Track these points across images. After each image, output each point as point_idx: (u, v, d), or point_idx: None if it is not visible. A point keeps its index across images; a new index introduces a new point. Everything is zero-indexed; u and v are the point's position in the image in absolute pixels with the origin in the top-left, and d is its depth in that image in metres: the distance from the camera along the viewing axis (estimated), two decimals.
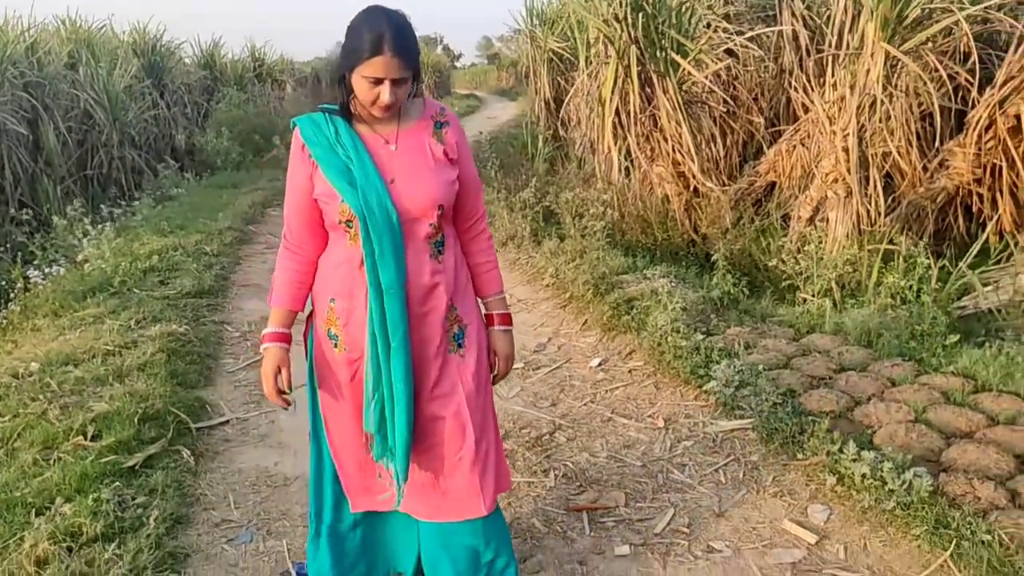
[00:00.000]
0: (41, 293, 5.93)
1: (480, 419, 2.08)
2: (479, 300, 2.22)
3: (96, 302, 5.49)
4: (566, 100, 10.44)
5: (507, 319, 2.25)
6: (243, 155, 13.72)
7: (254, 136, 14.56)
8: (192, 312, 5.40)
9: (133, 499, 2.95)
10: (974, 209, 6.44)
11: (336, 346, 2.04)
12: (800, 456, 3.15)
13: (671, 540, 2.77)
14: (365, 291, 1.94)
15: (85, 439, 3.36)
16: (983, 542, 2.46)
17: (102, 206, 9.93)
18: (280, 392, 2.11)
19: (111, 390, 3.85)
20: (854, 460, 2.94)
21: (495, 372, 2.24)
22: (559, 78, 12.24)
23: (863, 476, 2.85)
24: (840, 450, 3.04)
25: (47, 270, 6.73)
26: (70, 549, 2.61)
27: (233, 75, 18.67)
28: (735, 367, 3.77)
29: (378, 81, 1.85)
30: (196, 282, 6.04)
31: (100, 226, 7.61)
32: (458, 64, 58.22)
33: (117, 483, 3.02)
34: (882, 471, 2.83)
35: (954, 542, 2.51)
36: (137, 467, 3.20)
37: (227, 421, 3.87)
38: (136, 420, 3.52)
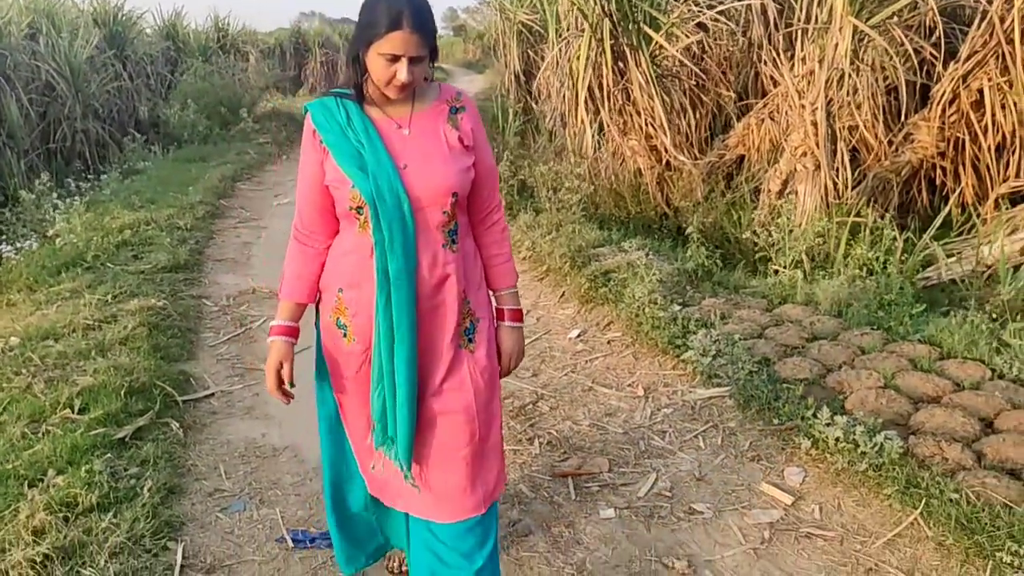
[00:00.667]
0: (14, 268, 5.86)
1: (486, 417, 2.03)
2: (494, 293, 2.17)
3: (71, 276, 5.45)
4: (537, 73, 10.45)
5: (518, 315, 2.18)
6: (210, 128, 13.53)
7: (220, 108, 14.36)
8: (169, 287, 5.39)
9: (125, 470, 3.00)
10: (937, 182, 6.61)
11: (345, 336, 1.99)
12: (776, 421, 3.27)
13: (654, 503, 2.87)
14: (374, 280, 1.87)
15: (72, 412, 3.38)
16: (951, 500, 2.60)
17: (68, 180, 9.77)
18: (281, 386, 2.07)
19: (94, 364, 3.86)
20: (827, 424, 3.07)
21: (509, 366, 2.18)
22: (529, 51, 12.22)
23: (836, 440, 2.98)
24: (814, 415, 3.17)
25: (18, 245, 6.64)
26: (66, 519, 2.65)
27: (197, 46, 18.36)
28: (711, 337, 3.88)
29: (395, 58, 1.78)
30: (171, 257, 6.01)
31: (69, 200, 7.52)
32: None
33: (108, 455, 3.06)
34: (854, 435, 2.96)
35: (924, 501, 2.64)
36: (127, 439, 3.24)
37: (212, 394, 3.90)
38: (122, 393, 3.54)
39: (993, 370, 3.55)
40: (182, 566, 2.55)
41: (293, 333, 2.08)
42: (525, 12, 12.00)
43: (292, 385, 2.09)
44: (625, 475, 3.06)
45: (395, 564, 2.53)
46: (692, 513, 2.81)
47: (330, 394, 2.15)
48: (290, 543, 2.70)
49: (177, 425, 3.45)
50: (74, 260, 5.84)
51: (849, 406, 3.31)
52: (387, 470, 2.06)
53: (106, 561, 2.46)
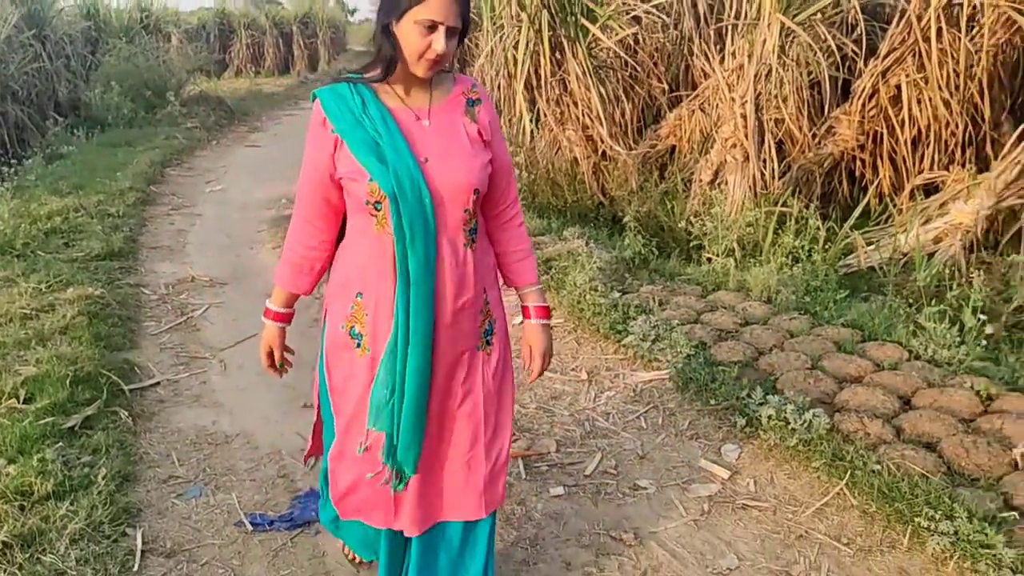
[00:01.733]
0: None
1: (495, 421, 1.99)
2: (517, 291, 2.10)
3: (2, 264, 5.32)
4: (473, 62, 10.50)
5: (546, 312, 2.11)
6: (135, 111, 13.16)
7: (145, 91, 13.96)
8: (105, 275, 5.30)
9: (78, 459, 3.00)
10: (857, 173, 6.94)
11: (359, 346, 1.86)
12: (712, 402, 3.46)
13: (600, 481, 3.02)
14: (394, 281, 1.77)
15: (18, 402, 3.35)
16: (873, 471, 2.81)
17: None
18: (272, 364, 2.10)
19: (36, 353, 3.81)
20: (760, 404, 3.27)
21: (530, 369, 2.13)
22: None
23: (769, 417, 3.17)
24: (748, 395, 3.36)
25: None
26: (22, 507, 2.65)
27: (119, 26, 17.77)
28: (650, 323, 4.05)
29: (433, 27, 1.65)
30: (104, 244, 5.90)
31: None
32: (352, 19, 56.75)
33: (59, 444, 3.06)
34: (785, 413, 3.16)
35: (848, 472, 2.85)
36: (76, 428, 3.23)
37: (158, 383, 3.89)
38: (68, 383, 3.52)
39: (910, 351, 3.81)
40: (142, 551, 2.58)
41: (285, 319, 2.07)
42: None
43: (281, 366, 2.12)
44: (572, 455, 3.20)
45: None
46: (636, 489, 2.97)
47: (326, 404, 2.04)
48: (249, 527, 2.75)
49: (126, 414, 3.44)
50: (2, 247, 5.69)
51: (780, 386, 3.51)
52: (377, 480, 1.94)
53: (66, 547, 2.49)
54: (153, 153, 9.97)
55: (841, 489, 2.82)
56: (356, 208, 1.81)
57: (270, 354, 2.09)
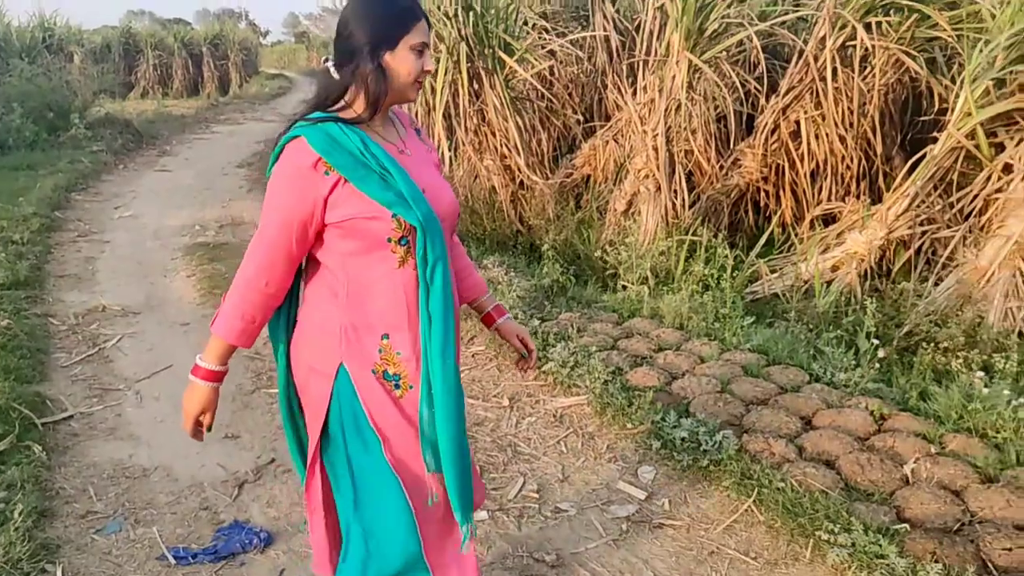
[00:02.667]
0: None
1: None
2: (474, 303, 2.12)
3: None
4: None
5: (504, 310, 2.17)
6: (37, 134, 12.71)
7: (47, 113, 13.51)
8: (11, 305, 5.14)
9: None
10: (762, 204, 7.28)
11: (398, 387, 1.77)
12: (629, 425, 3.60)
13: (523, 504, 3.11)
14: (419, 316, 1.74)
15: None
16: (779, 488, 2.99)
17: None
18: (199, 431, 1.85)
19: None
20: (674, 427, 3.42)
21: (529, 352, 2.15)
22: None
23: (682, 439, 3.33)
24: (663, 419, 3.52)
25: None
26: None
27: (20, 45, 17.15)
28: (569, 349, 4.18)
29: (422, 49, 1.71)
30: (9, 273, 5.71)
31: None
32: (264, 41, 56.06)
33: None
34: (698, 435, 3.32)
35: (756, 490, 3.02)
36: None
37: (71, 416, 3.81)
38: None
39: (811, 374, 4.04)
40: None
41: (221, 378, 1.82)
42: None
43: (210, 430, 1.88)
44: (496, 480, 3.29)
45: None
46: (558, 512, 3.07)
47: (370, 460, 1.81)
48: (172, 560, 2.73)
49: (39, 448, 3.36)
50: None
51: (692, 409, 3.68)
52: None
53: None
54: (57, 177, 9.67)
55: (749, 506, 2.98)
56: (370, 248, 1.71)
57: (198, 420, 1.82)
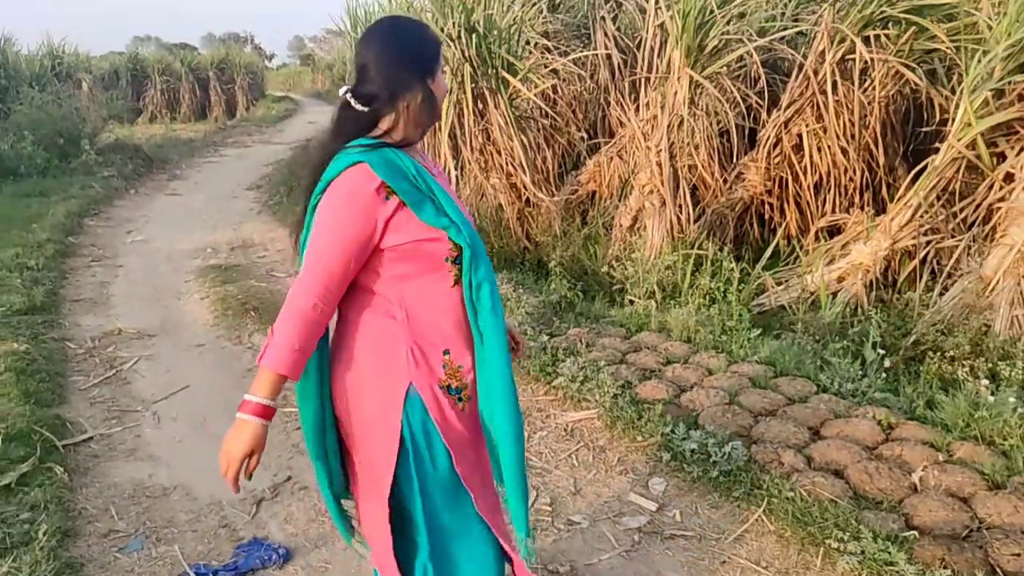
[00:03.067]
0: None
1: None
2: None
3: None
4: None
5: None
6: (48, 160, 12.87)
7: (58, 140, 13.68)
8: (28, 330, 5.24)
9: (16, 516, 3.00)
10: (766, 217, 7.34)
11: (460, 399, 1.83)
12: (639, 438, 3.65)
13: (536, 517, 3.16)
14: (471, 331, 1.82)
15: None
16: (788, 498, 3.04)
17: None
18: (240, 472, 1.69)
19: None
20: (684, 439, 3.48)
21: (517, 345, 2.19)
22: None
23: (692, 451, 3.38)
24: (672, 431, 3.57)
25: None
26: None
27: (30, 73, 17.38)
28: (578, 364, 4.24)
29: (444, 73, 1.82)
30: (26, 299, 5.82)
31: None
32: (270, 64, 56.55)
33: None
34: (707, 447, 3.37)
35: (766, 500, 3.07)
36: (12, 485, 3.22)
37: (91, 438, 3.88)
38: (0, 440, 3.49)
39: (818, 385, 4.09)
40: None
41: (273, 415, 1.71)
42: None
43: (250, 478, 1.73)
44: None
45: None
46: (571, 524, 3.12)
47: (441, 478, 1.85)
48: None
49: (61, 470, 3.43)
50: None
51: (701, 421, 3.73)
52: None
53: None
54: (70, 203, 9.80)
55: (759, 516, 3.03)
56: (428, 269, 1.77)
57: (245, 461, 1.68)
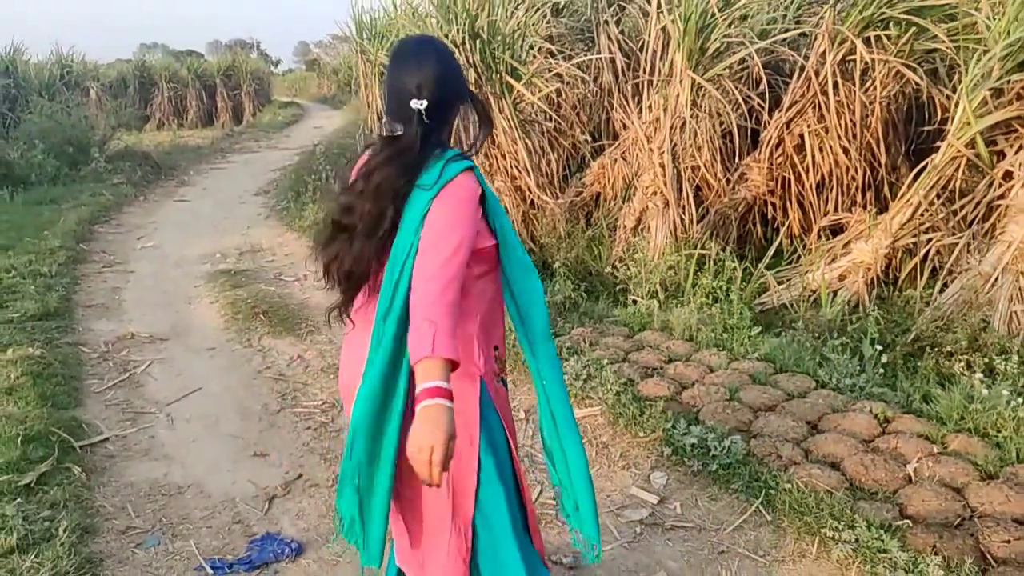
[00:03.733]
0: None
1: None
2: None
3: None
4: None
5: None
6: (58, 168, 13.03)
7: (68, 148, 13.83)
8: (43, 335, 5.35)
9: (37, 513, 3.10)
10: (769, 216, 7.41)
11: (506, 387, 2.07)
12: (641, 434, 3.73)
13: (541, 511, 3.24)
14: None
15: None
16: (785, 490, 3.12)
17: None
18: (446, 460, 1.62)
19: None
20: (684, 434, 3.56)
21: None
22: None
23: (692, 446, 3.47)
24: (673, 427, 3.65)
25: None
26: None
27: (39, 82, 17.57)
28: (582, 362, 4.33)
29: None
30: (39, 304, 5.93)
31: None
32: (276, 70, 56.79)
33: (17, 500, 3.15)
34: (707, 441, 3.45)
35: (764, 492, 3.15)
36: (32, 485, 3.32)
37: (107, 439, 3.98)
38: (19, 441, 3.61)
39: (817, 381, 4.17)
40: None
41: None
42: (386, 55, 12.34)
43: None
44: None
45: None
46: None
47: (502, 468, 1.97)
48: (209, 571, 2.89)
49: (79, 469, 3.54)
50: None
51: (702, 417, 3.81)
52: None
53: None
54: (80, 211, 9.92)
55: (757, 507, 3.11)
56: (490, 270, 1.93)
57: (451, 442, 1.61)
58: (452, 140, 1.95)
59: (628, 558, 2.93)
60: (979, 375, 3.81)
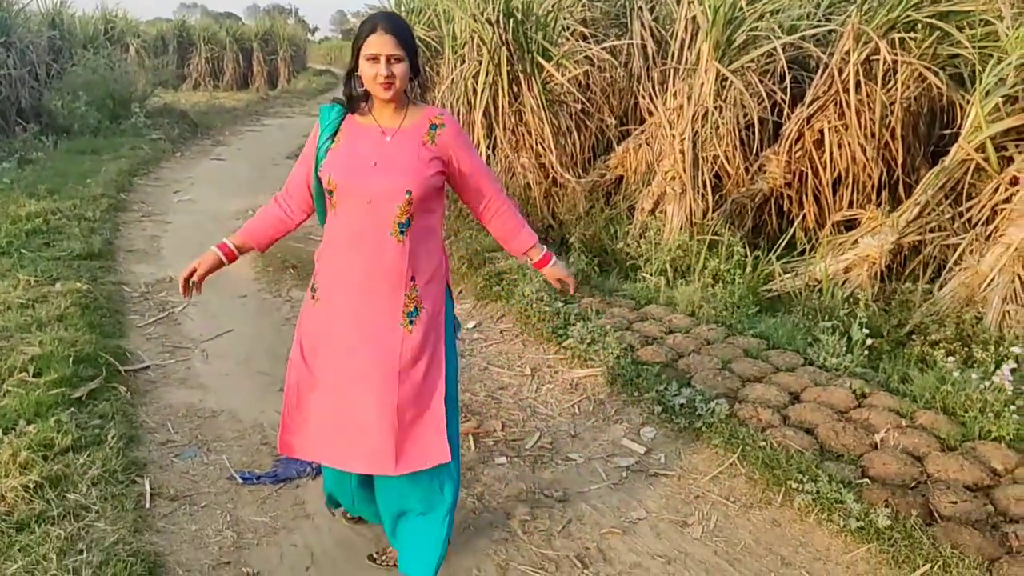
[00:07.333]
0: None
1: (412, 394, 2.40)
2: (523, 256, 2.72)
3: None
4: (432, 86, 11.07)
5: (550, 256, 2.72)
6: (100, 121, 13.45)
7: (109, 102, 14.23)
8: (88, 273, 5.73)
9: (88, 422, 3.48)
10: (785, 209, 7.62)
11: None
12: (636, 394, 4.05)
13: (538, 453, 3.57)
14: None
15: (28, 376, 3.79)
16: (760, 447, 3.42)
17: None
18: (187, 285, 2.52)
19: (38, 336, 4.26)
20: (675, 395, 3.87)
21: (568, 285, 2.78)
22: (425, 65, 12.80)
23: (681, 406, 3.77)
24: (665, 388, 3.96)
25: None
26: (45, 457, 3.12)
27: (84, 35, 17.99)
28: (588, 328, 4.63)
29: (375, 58, 2.27)
30: (84, 246, 6.31)
31: None
32: (312, 38, 57.13)
33: (71, 409, 3.52)
34: (695, 402, 3.76)
35: (740, 448, 3.45)
36: (83, 399, 3.69)
37: (148, 367, 4.36)
38: (71, 361, 3.98)
39: (805, 358, 4.45)
40: (151, 494, 3.08)
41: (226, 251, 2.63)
42: (423, 29, 12.60)
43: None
44: (515, 434, 3.75)
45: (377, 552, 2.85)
46: (567, 460, 3.53)
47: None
48: (240, 480, 3.25)
49: (124, 389, 3.91)
50: None
51: (693, 383, 4.11)
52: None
53: (88, 488, 2.97)
54: (120, 162, 10.31)
55: (733, 461, 3.42)
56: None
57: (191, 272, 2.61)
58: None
59: (612, 496, 3.25)
60: (951, 358, 4.07)
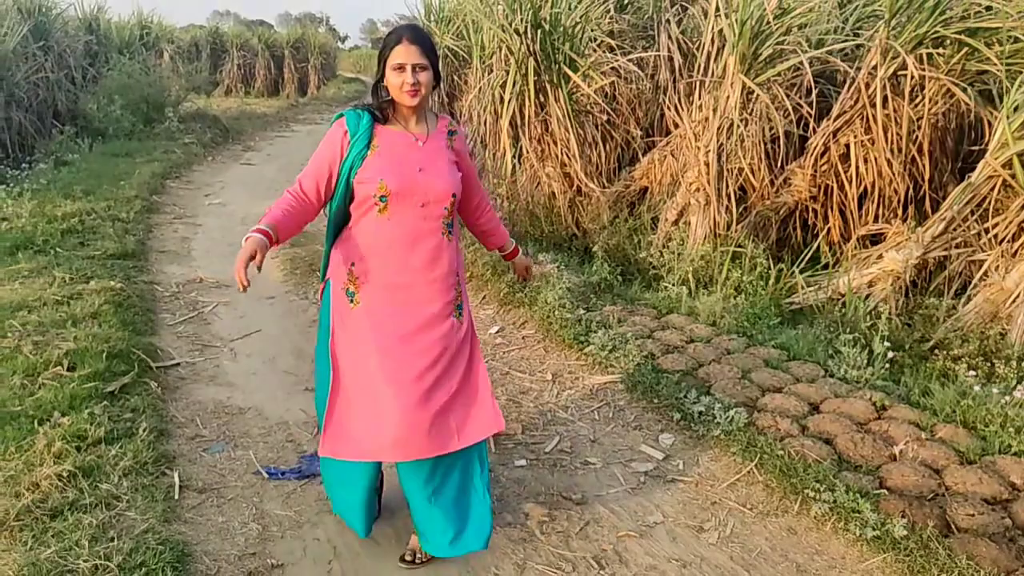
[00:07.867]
0: None
1: (465, 375, 2.70)
2: (501, 250, 3.07)
3: (27, 257, 5.86)
4: (460, 95, 11.18)
5: (517, 250, 3.12)
6: (134, 124, 13.70)
7: (143, 106, 14.49)
8: (121, 272, 5.86)
9: (120, 415, 3.58)
10: (810, 222, 7.63)
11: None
12: (655, 401, 4.08)
13: (557, 457, 3.62)
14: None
15: (63, 369, 3.90)
16: (778, 456, 3.44)
17: None
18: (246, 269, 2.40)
19: (72, 332, 4.38)
20: (694, 403, 3.90)
21: (531, 270, 3.22)
22: (453, 74, 12.94)
23: (700, 413, 3.80)
24: (685, 396, 3.99)
25: None
26: (79, 448, 3.22)
27: (120, 40, 18.33)
28: (609, 335, 4.68)
29: (402, 68, 2.43)
30: (118, 245, 6.46)
31: (14, 187, 7.83)
32: (343, 46, 57.68)
33: (104, 403, 3.63)
34: (713, 410, 3.79)
35: (758, 456, 3.48)
36: (115, 393, 3.80)
37: (178, 364, 4.47)
38: (104, 356, 4.09)
39: (826, 370, 4.46)
40: (180, 486, 3.16)
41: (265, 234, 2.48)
42: (452, 38, 12.73)
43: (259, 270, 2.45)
44: (535, 437, 3.81)
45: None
46: (586, 464, 3.57)
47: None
48: (265, 475, 3.32)
49: (155, 385, 4.02)
50: (24, 243, 6.23)
51: (713, 391, 4.14)
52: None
53: (119, 478, 3.06)
54: (153, 165, 10.50)
55: (751, 469, 3.44)
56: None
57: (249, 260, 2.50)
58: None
59: (630, 500, 3.29)
60: (973, 373, 4.07)
